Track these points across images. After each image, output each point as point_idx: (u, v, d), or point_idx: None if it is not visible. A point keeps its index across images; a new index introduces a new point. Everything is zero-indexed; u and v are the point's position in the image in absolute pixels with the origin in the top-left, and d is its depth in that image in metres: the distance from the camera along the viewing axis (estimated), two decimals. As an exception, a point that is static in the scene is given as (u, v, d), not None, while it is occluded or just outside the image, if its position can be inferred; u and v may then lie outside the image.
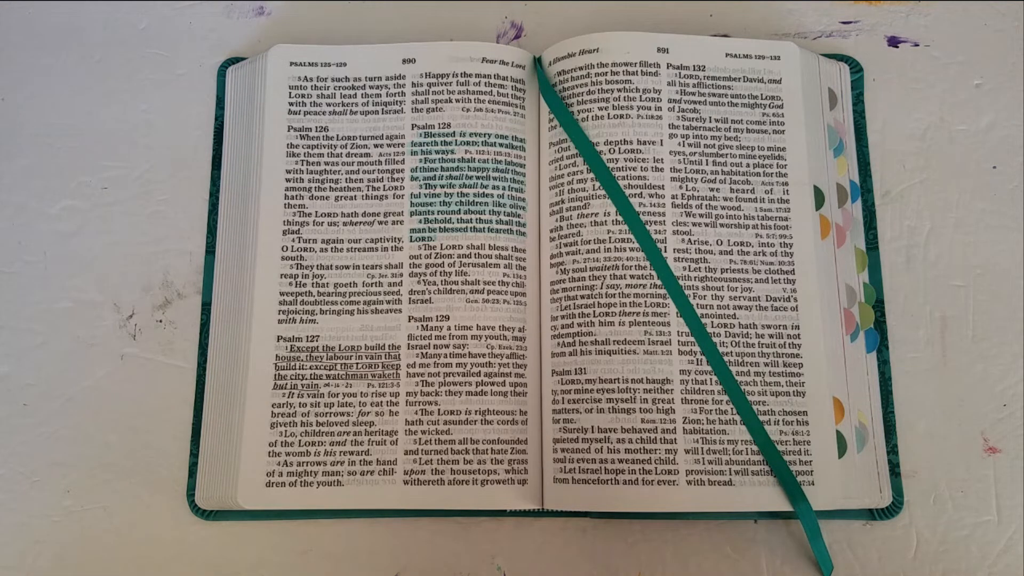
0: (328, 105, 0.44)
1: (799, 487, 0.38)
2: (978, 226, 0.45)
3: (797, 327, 0.41)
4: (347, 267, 0.42)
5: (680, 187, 0.42)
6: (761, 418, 0.40)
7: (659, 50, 0.43)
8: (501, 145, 0.43)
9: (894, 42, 0.47)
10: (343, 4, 0.49)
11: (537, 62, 0.45)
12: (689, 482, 0.39)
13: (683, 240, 0.41)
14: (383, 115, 0.44)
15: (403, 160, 0.43)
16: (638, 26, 0.48)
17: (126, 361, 0.43)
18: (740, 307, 0.41)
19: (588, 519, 0.41)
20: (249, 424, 0.40)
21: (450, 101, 0.43)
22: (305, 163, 0.43)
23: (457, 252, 0.42)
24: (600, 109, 0.43)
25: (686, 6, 0.48)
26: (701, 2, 0.48)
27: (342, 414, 0.40)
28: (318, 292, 0.42)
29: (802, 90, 0.44)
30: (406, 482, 0.39)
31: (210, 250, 0.44)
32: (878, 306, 0.43)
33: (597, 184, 0.42)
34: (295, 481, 0.40)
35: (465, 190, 0.42)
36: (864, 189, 0.45)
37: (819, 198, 0.43)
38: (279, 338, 0.41)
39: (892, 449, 0.41)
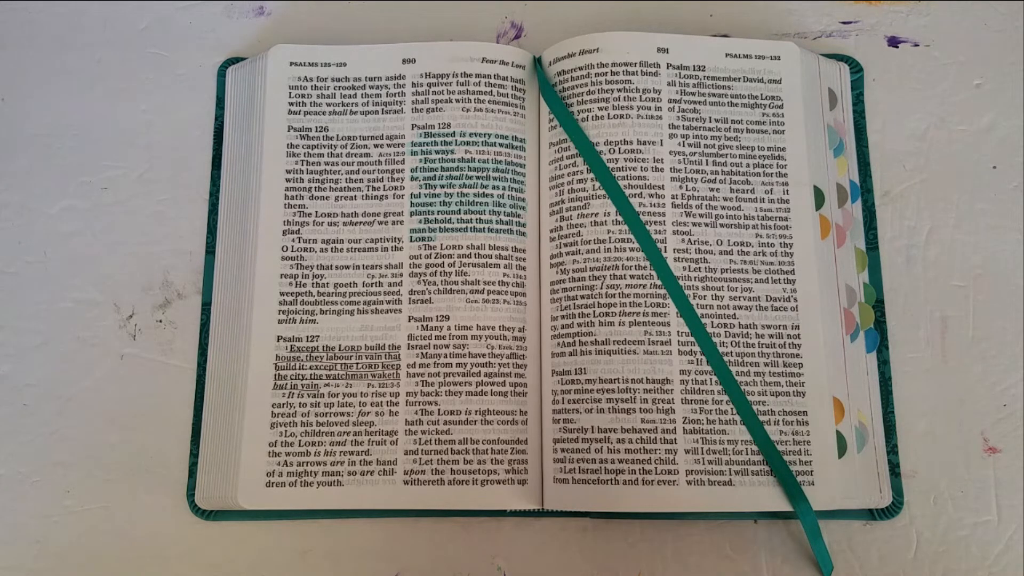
0: (328, 105, 0.44)
1: (799, 487, 0.38)
2: (978, 226, 0.45)
3: (797, 327, 0.41)
4: (347, 267, 0.42)
5: (680, 187, 0.42)
6: (761, 418, 0.40)
7: (659, 50, 0.43)
8: (501, 145, 0.43)
9: (894, 42, 0.47)
10: (343, 4, 0.49)
11: (537, 62, 0.45)
12: (689, 482, 0.39)
13: (683, 240, 0.41)
14: (383, 115, 0.44)
15: (403, 160, 0.43)
16: (638, 26, 0.48)
17: (126, 361, 0.43)
18: (740, 307, 0.41)
19: (588, 519, 0.41)
20: (249, 424, 0.40)
21: (450, 101, 0.43)
22: (305, 163, 0.43)
23: (457, 252, 0.42)
24: (600, 109, 0.43)
25: (686, 6, 0.48)
26: (701, 2, 0.48)
27: (342, 414, 0.40)
28: (318, 292, 0.42)
29: (802, 90, 0.44)
30: (406, 482, 0.39)
31: (210, 250, 0.44)
32: (878, 306, 0.43)
33: (597, 184, 0.42)
34: (295, 481, 0.40)
35: (465, 190, 0.42)
36: (864, 189, 0.45)
37: (819, 198, 0.43)
38: (279, 338, 0.41)
39: (892, 449, 0.41)
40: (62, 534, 0.41)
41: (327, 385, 0.41)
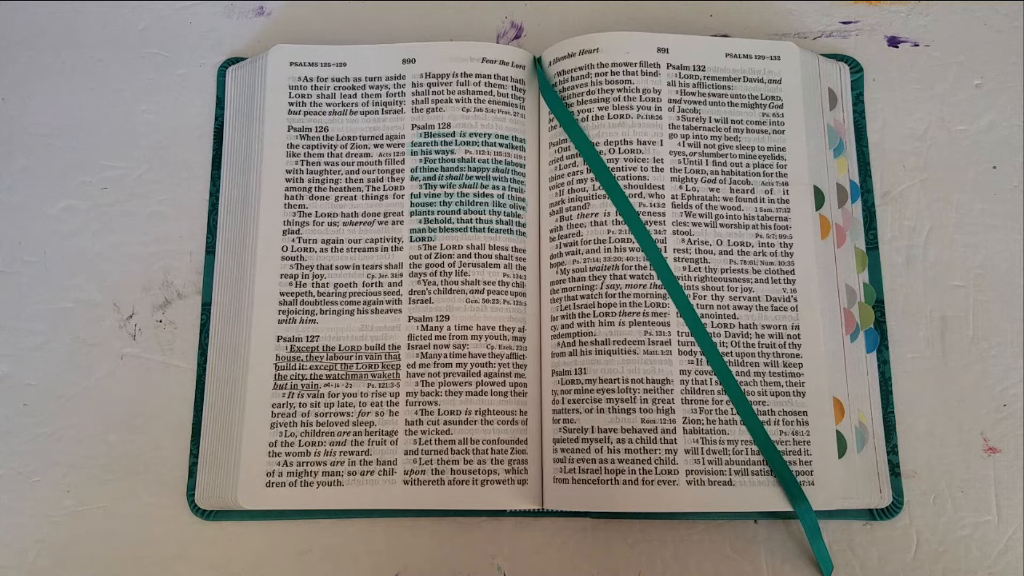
0: (328, 105, 0.44)
1: (799, 487, 0.38)
2: (978, 226, 0.45)
3: (797, 327, 0.41)
4: (347, 267, 0.42)
5: (680, 187, 0.42)
6: (761, 418, 0.40)
7: (659, 50, 0.43)
8: (501, 145, 0.43)
9: (894, 42, 0.47)
10: (343, 4, 0.49)
11: (537, 62, 0.45)
12: (689, 482, 0.39)
13: (683, 240, 0.41)
14: (383, 115, 0.44)
15: (403, 160, 0.43)
16: (638, 26, 0.48)
17: (126, 361, 0.43)
18: (740, 307, 0.41)
19: (588, 519, 0.41)
20: (249, 424, 0.40)
21: (450, 101, 0.43)
22: (305, 163, 0.43)
23: (457, 252, 0.42)
24: (600, 109, 0.43)
25: (686, 6, 0.48)
26: (701, 2, 0.48)
27: (342, 414, 0.40)
28: (318, 292, 0.42)
29: (802, 90, 0.44)
30: (406, 482, 0.40)
31: (210, 250, 0.44)
32: (878, 306, 0.43)
33: (597, 184, 0.42)
34: (295, 481, 0.40)
35: (465, 190, 0.42)
36: (864, 189, 0.45)
37: (819, 198, 0.43)
38: (279, 338, 0.41)
39: (892, 449, 0.41)
40: (62, 534, 0.41)
41: (327, 385, 0.41)
